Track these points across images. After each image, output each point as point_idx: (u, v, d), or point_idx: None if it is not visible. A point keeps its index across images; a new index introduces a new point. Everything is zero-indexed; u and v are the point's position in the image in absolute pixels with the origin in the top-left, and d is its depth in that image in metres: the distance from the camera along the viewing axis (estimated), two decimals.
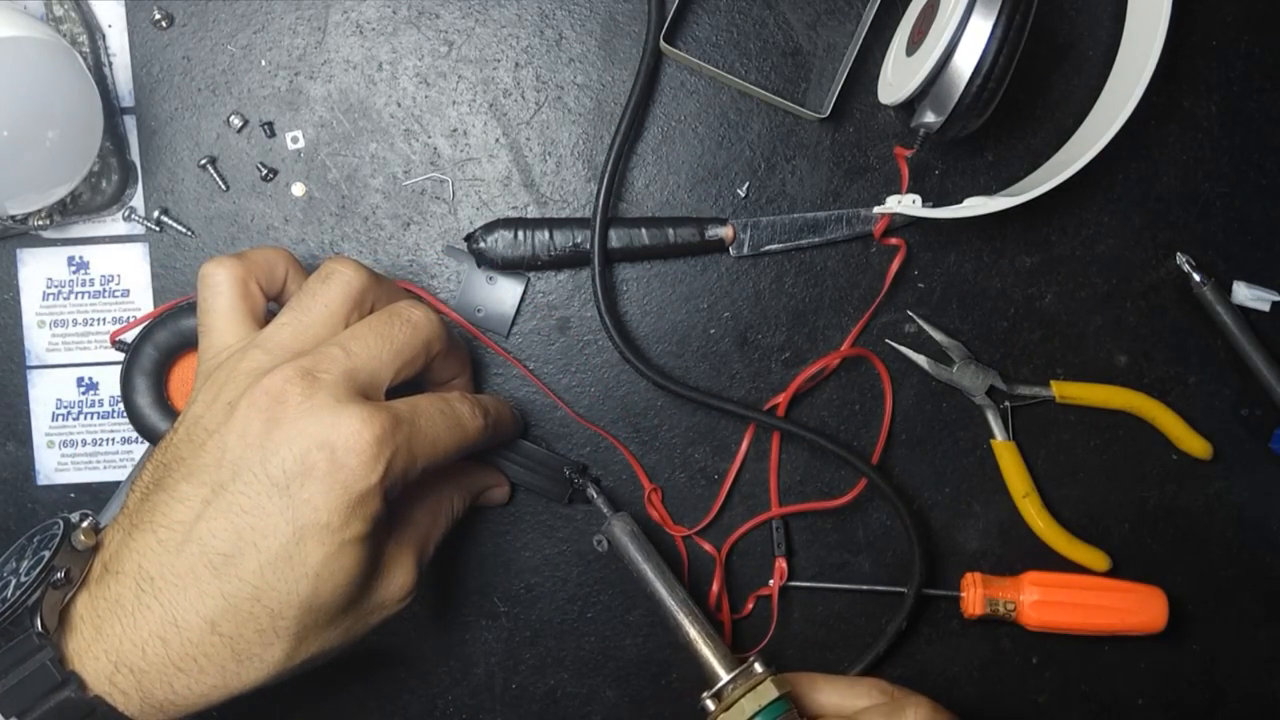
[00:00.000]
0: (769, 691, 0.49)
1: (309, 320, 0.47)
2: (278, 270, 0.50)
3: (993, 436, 0.59)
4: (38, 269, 0.59)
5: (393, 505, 0.45)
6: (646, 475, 0.59)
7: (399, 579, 0.47)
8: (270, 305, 0.51)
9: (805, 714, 0.51)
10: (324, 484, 0.42)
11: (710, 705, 0.50)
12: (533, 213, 0.59)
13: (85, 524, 0.44)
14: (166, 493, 0.43)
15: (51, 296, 0.59)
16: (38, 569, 0.42)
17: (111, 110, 0.57)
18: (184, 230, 0.59)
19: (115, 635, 0.42)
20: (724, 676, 0.50)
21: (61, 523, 0.44)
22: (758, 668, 0.50)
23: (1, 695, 0.40)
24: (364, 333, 0.46)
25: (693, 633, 0.52)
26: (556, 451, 0.59)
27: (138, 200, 0.59)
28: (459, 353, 0.54)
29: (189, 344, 0.55)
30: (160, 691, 0.42)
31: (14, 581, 0.42)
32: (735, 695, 0.49)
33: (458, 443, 0.48)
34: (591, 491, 0.57)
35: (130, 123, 0.59)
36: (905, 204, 0.56)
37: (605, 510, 0.56)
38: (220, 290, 0.48)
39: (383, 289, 0.50)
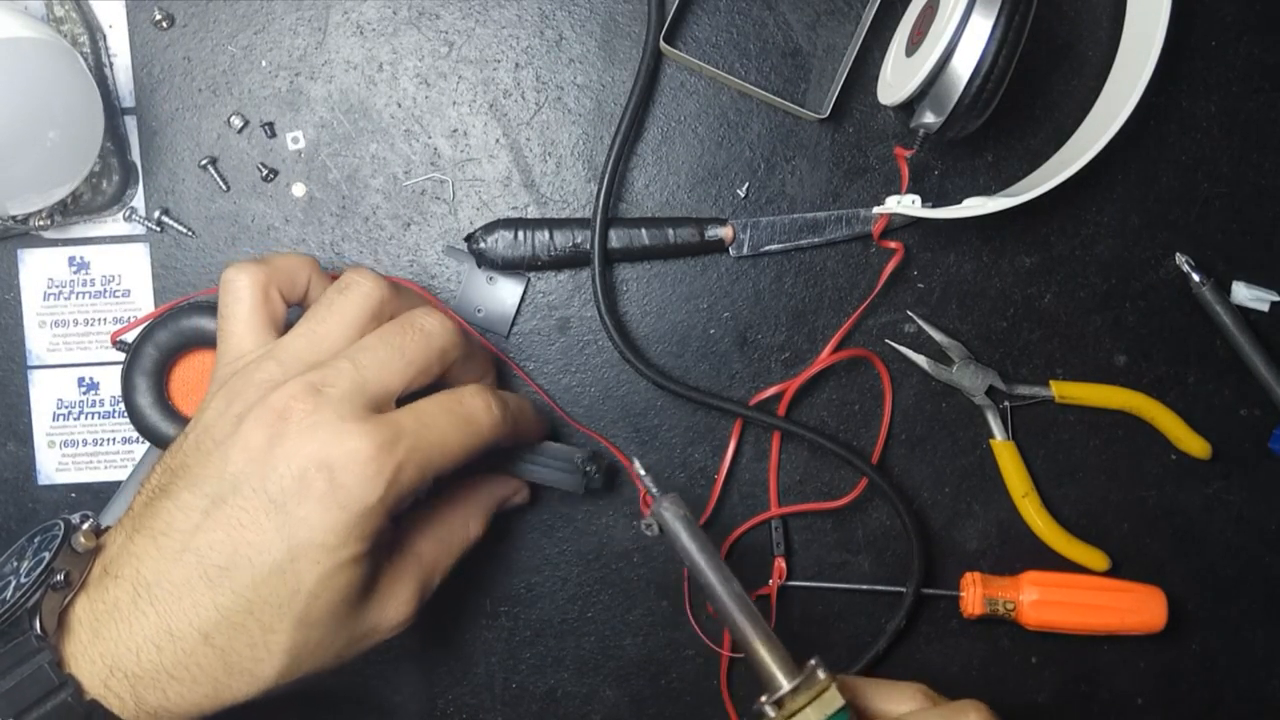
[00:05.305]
0: (834, 700, 0.45)
1: (324, 331, 0.47)
2: (299, 277, 0.50)
3: (992, 436, 0.59)
4: (38, 269, 0.59)
5: (397, 528, 0.45)
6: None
7: (394, 607, 0.47)
8: (293, 310, 0.50)
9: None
10: (321, 504, 0.42)
11: (770, 712, 0.45)
12: (533, 213, 0.59)
13: (86, 526, 0.44)
14: (170, 500, 0.44)
15: (52, 296, 0.59)
16: (38, 570, 0.42)
17: (112, 110, 0.57)
18: (185, 230, 0.59)
19: (111, 639, 0.42)
20: (785, 684, 0.45)
21: (62, 524, 0.44)
22: (820, 674, 0.45)
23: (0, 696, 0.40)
24: (374, 344, 0.46)
25: (750, 633, 0.47)
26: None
27: (138, 200, 0.59)
28: (479, 357, 0.53)
29: (190, 344, 0.56)
30: (153, 697, 0.42)
31: (14, 583, 0.42)
32: (799, 703, 0.45)
33: (471, 441, 0.47)
34: (639, 469, 0.50)
35: (131, 123, 0.59)
36: (905, 204, 0.56)
37: (653, 490, 0.49)
38: (241, 296, 0.48)
39: (402, 300, 0.49)
